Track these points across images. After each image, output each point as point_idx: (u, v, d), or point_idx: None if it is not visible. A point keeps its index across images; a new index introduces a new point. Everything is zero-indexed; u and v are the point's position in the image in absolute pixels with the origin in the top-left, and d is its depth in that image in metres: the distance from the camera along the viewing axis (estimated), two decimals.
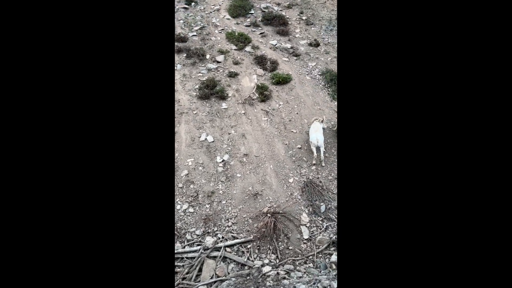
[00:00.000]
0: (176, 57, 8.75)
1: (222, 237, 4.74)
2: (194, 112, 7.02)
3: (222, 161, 5.96)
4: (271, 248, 4.57)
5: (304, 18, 10.60)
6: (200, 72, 8.23)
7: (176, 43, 9.20)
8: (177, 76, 8.11)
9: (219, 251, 4.51)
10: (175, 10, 10.81)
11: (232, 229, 4.86)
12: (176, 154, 6.09)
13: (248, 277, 3.98)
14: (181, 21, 10.27)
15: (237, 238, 4.71)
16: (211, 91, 7.53)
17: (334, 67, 8.30)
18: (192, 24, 10.16)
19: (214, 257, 4.47)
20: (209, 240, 4.62)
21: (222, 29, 9.97)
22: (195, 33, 9.73)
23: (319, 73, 8.20)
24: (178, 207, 5.22)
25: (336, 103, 7.21)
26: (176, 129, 6.63)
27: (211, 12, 10.94)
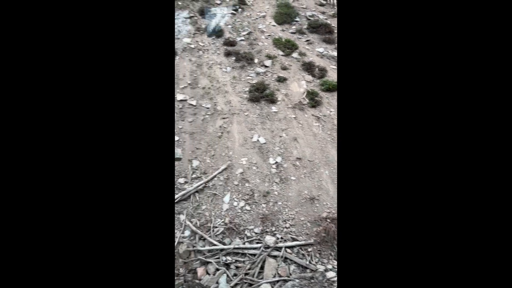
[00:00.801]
0: (226, 60, 9.01)
1: (281, 238, 4.75)
2: (245, 114, 7.16)
3: (275, 163, 6.01)
4: (332, 254, 4.52)
5: None
6: (249, 76, 8.41)
7: (225, 47, 9.49)
8: (227, 78, 8.34)
9: (279, 251, 4.52)
10: (224, 16, 11.16)
11: (291, 231, 4.87)
12: (230, 153, 6.22)
13: (312, 280, 3.95)
14: (229, 26, 10.58)
15: (296, 240, 4.71)
16: (261, 94, 7.66)
17: None
18: (240, 30, 10.45)
19: (275, 257, 4.49)
20: (269, 239, 4.65)
21: (269, 35, 10.17)
22: (242, 38, 9.99)
23: None
24: (235, 203, 5.31)
25: None
26: (228, 129, 6.78)
27: (257, 18, 11.20)
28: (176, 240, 4.73)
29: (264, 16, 11.34)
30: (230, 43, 9.65)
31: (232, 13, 11.44)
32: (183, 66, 8.65)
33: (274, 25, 10.81)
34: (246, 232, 4.86)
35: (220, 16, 11.08)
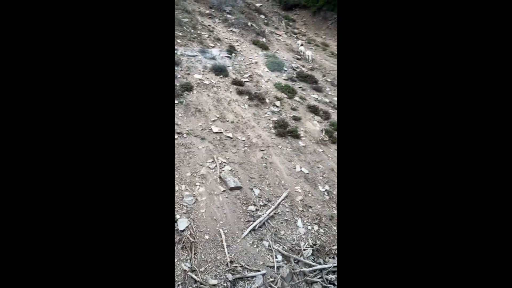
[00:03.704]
0: (240, 98, 9.65)
1: None
2: (279, 147, 7.83)
3: (325, 190, 6.77)
4: None
5: (329, 80, 12.87)
6: (266, 113, 9.24)
7: (236, 86, 10.18)
8: (248, 114, 8.95)
9: None
10: (221, 57, 11.96)
11: None
12: (282, 181, 6.69)
13: None
14: (230, 68, 11.42)
15: None
16: (284, 130, 8.53)
17: None
18: (241, 72, 11.40)
19: None
20: None
21: (268, 79, 11.40)
22: (246, 79, 10.92)
23: None
24: (309, 227, 5.72)
25: None
26: (270, 160, 7.29)
27: (250, 63, 12.43)
28: (275, 265, 4.82)
29: (256, 63, 12.66)
30: (238, 82, 10.40)
31: (227, 56, 12.40)
32: (204, 100, 8.89)
33: (267, 71, 12.18)
34: (333, 252, 5.31)
35: (218, 57, 11.84)
